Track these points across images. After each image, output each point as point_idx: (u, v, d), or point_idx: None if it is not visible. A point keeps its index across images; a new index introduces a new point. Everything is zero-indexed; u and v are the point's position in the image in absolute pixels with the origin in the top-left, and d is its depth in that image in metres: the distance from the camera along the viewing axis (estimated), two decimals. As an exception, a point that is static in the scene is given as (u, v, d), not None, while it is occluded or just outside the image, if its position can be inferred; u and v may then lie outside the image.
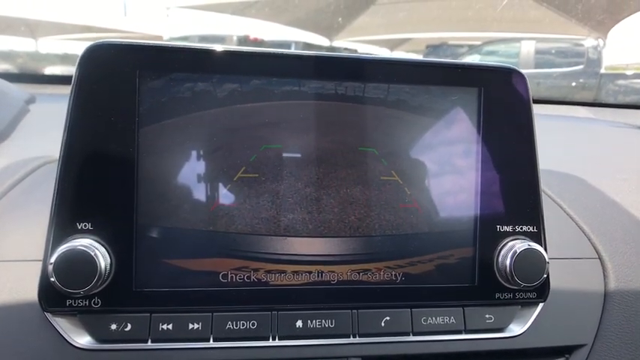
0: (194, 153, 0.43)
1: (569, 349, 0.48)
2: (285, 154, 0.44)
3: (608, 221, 0.57)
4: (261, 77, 0.43)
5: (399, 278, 0.45)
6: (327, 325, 0.44)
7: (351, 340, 0.44)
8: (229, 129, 0.43)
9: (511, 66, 0.46)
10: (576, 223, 0.55)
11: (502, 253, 0.45)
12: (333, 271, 0.44)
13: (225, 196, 0.43)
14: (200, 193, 0.43)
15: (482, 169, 0.46)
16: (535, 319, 0.47)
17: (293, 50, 0.45)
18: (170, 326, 0.42)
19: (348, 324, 0.44)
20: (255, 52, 0.44)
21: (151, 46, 0.42)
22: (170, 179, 0.42)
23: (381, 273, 0.45)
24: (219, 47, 0.43)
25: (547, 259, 0.44)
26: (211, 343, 0.43)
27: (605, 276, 0.51)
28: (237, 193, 0.43)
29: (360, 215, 0.44)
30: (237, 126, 0.43)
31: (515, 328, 0.47)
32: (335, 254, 0.44)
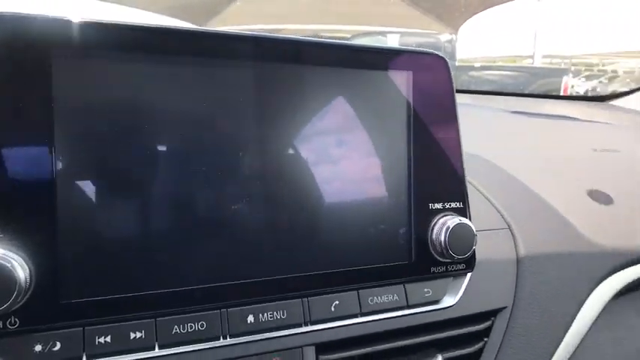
0: (119, 143, 0.38)
1: (494, 313, 0.53)
2: (214, 139, 0.41)
3: (513, 196, 0.63)
4: (191, 57, 0.40)
5: (343, 262, 0.45)
6: (278, 317, 0.42)
7: (304, 328, 0.43)
8: (156, 114, 0.39)
9: (437, 52, 0.49)
10: (487, 199, 0.61)
11: (435, 229, 0.48)
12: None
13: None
14: (136, 190, 0.38)
15: (414, 151, 0.48)
16: (465, 289, 0.51)
17: (229, 29, 0.42)
18: (108, 338, 0.37)
19: (300, 313, 0.43)
20: (185, 31, 0.40)
21: (71, 21, 0.36)
22: (94, 174, 0.37)
23: (329, 258, 0.44)
24: (149, 24, 0.38)
25: (475, 232, 0.48)
26: (157, 352, 0.39)
27: (515, 244, 0.57)
28: (170, 185, 0.39)
29: (301, 205, 0.43)
30: (165, 110, 0.39)
31: (449, 299, 0.50)
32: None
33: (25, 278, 0.34)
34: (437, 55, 0.49)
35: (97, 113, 0.37)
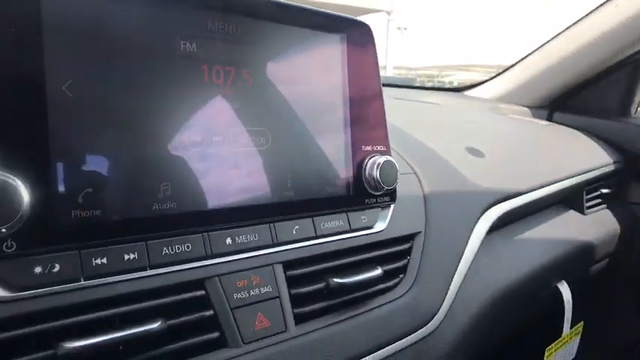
0: (114, 65, 0.40)
1: (413, 236, 0.65)
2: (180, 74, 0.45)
3: (415, 151, 0.77)
4: None
5: (302, 195, 0.52)
6: (252, 239, 0.48)
7: (273, 249, 0.50)
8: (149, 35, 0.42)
9: (363, 21, 0.59)
10: (397, 152, 0.73)
11: (368, 166, 0.57)
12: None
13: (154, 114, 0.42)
14: (126, 112, 0.41)
15: (350, 103, 0.57)
16: (390, 218, 0.61)
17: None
18: (104, 260, 0.39)
19: (268, 236, 0.49)
20: None
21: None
22: (88, 94, 0.39)
23: (288, 190, 0.51)
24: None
25: (398, 167, 0.59)
26: (149, 272, 0.42)
27: (421, 185, 0.70)
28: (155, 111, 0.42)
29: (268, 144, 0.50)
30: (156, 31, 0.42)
31: (380, 225, 0.60)
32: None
33: (23, 199, 0.35)
34: (364, 22, 0.59)
35: (84, 33, 0.39)
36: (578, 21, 1.35)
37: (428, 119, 1.06)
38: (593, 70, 1.34)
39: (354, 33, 0.57)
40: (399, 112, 1.06)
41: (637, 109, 1.42)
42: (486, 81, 1.59)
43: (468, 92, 1.59)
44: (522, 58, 1.52)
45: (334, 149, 0.56)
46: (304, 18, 0.53)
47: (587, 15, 1.33)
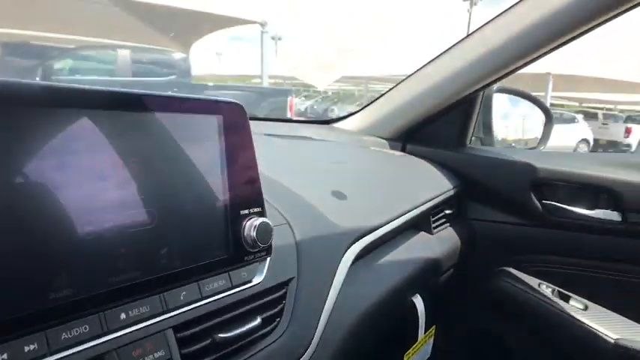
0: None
1: (287, 282, 0.75)
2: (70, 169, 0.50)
3: (287, 200, 0.87)
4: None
5: (188, 264, 0.59)
6: (144, 310, 0.54)
7: (163, 317, 0.56)
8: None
9: (237, 101, 0.68)
10: (271, 204, 0.83)
11: (246, 229, 0.66)
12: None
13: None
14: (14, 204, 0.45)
15: (228, 175, 0.65)
16: (267, 269, 0.71)
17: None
18: (5, 356, 0.43)
19: (158, 305, 0.56)
20: None
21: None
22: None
23: (175, 261, 0.58)
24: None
25: (272, 227, 0.69)
26: (49, 358, 0.46)
27: (293, 233, 0.80)
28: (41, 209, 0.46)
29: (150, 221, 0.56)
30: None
31: (258, 278, 0.69)
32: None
33: None
34: (238, 103, 0.68)
35: None
36: (425, 64, 1.58)
37: (297, 162, 1.18)
38: (437, 107, 1.58)
39: (229, 113, 0.66)
40: (271, 154, 1.16)
41: (471, 139, 1.70)
42: (353, 113, 1.78)
43: (336, 124, 1.76)
44: (382, 95, 1.72)
45: (215, 218, 0.64)
46: (185, 105, 0.61)
47: (432, 60, 1.57)
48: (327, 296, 0.81)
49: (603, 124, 20.26)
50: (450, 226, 1.48)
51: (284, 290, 0.74)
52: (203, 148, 0.63)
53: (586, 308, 1.34)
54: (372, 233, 1.00)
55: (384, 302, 1.01)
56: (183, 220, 0.59)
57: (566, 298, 1.39)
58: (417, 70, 1.61)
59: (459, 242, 1.47)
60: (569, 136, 16.44)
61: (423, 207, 1.26)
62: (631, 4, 1.14)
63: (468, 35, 1.47)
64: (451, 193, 1.48)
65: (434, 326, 1.32)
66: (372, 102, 1.76)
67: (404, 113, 1.63)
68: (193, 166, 0.62)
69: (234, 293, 0.65)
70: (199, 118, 0.63)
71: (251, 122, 0.70)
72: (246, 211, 0.68)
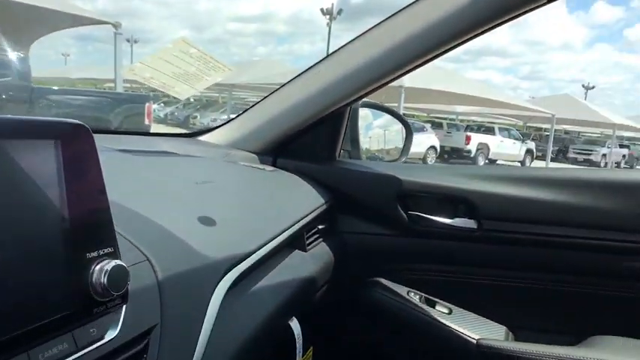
0: None
1: (149, 331, 0.64)
2: None
3: (146, 232, 0.75)
4: None
5: (18, 328, 0.46)
6: None
7: None
8: None
9: (79, 122, 0.56)
10: (127, 239, 0.70)
11: (95, 274, 0.55)
12: None
13: None
14: None
15: (69, 209, 0.53)
16: (123, 320, 0.59)
17: None
18: None
19: None
20: None
21: None
22: None
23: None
24: None
25: (128, 269, 0.58)
26: None
27: (154, 271, 0.69)
28: None
29: None
30: None
31: (112, 332, 0.57)
32: None
33: None
34: (80, 123, 0.56)
35: None
36: (296, 77, 1.56)
37: (158, 183, 1.06)
38: (308, 120, 1.56)
39: (68, 136, 0.54)
40: (126, 175, 1.03)
41: (340, 152, 1.72)
42: (219, 126, 1.68)
43: (201, 137, 1.64)
44: (250, 107, 1.66)
45: (53, 266, 0.51)
46: (9, 128, 0.48)
47: (302, 73, 1.55)
48: (198, 338, 0.72)
49: (447, 132, 22.91)
50: (323, 241, 1.47)
51: (145, 341, 0.63)
52: (36, 182, 0.50)
53: (450, 312, 1.43)
54: (245, 260, 0.92)
55: (260, 332, 0.94)
56: (10, 272, 0.46)
57: (432, 304, 1.47)
58: (288, 82, 1.59)
59: (332, 257, 1.47)
60: (419, 143, 18.18)
61: (296, 226, 1.22)
62: (484, 28, 1.24)
63: (340, 48, 1.48)
64: (324, 207, 1.47)
65: (311, 348, 1.29)
66: (239, 114, 1.68)
67: (274, 126, 1.59)
68: (24, 204, 0.49)
69: (81, 356, 0.53)
70: (30, 144, 0.50)
71: (103, 136, 0.59)
72: (94, 254, 0.56)
